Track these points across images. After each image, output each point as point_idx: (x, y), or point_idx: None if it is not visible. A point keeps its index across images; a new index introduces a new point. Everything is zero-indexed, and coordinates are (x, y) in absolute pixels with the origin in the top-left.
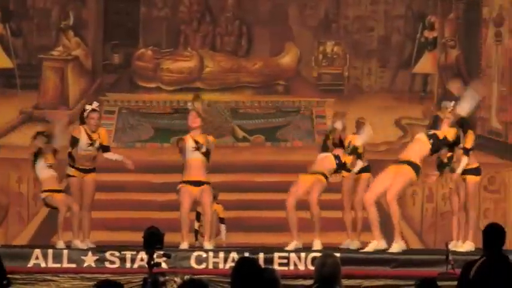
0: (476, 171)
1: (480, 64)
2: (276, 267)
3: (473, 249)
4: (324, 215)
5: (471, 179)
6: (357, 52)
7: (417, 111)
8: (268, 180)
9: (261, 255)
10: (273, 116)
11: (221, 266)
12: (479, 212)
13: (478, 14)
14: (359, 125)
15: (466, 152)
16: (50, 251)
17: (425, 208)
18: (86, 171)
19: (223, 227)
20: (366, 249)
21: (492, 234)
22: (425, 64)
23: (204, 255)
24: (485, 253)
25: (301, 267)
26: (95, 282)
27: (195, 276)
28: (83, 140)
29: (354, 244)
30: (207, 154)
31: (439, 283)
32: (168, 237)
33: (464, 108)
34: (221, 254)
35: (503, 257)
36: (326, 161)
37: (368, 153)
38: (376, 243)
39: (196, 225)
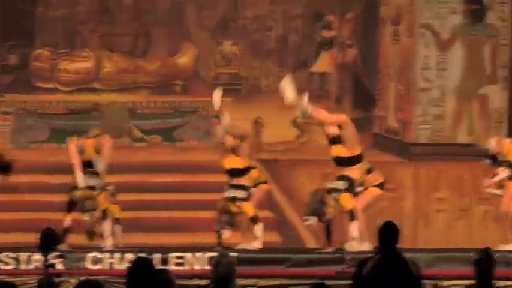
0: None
1: (378, 63)
2: (172, 267)
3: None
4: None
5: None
6: (254, 52)
7: None
8: (166, 180)
9: (157, 256)
10: (170, 116)
11: (117, 266)
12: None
13: (375, 13)
14: (257, 125)
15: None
16: None
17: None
18: None
19: (118, 227)
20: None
21: (387, 232)
22: (323, 63)
23: (100, 255)
24: (380, 251)
25: (197, 267)
26: None
27: (91, 277)
28: None
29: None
30: None
31: (337, 282)
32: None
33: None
34: (117, 255)
35: (397, 254)
36: None
37: (265, 153)
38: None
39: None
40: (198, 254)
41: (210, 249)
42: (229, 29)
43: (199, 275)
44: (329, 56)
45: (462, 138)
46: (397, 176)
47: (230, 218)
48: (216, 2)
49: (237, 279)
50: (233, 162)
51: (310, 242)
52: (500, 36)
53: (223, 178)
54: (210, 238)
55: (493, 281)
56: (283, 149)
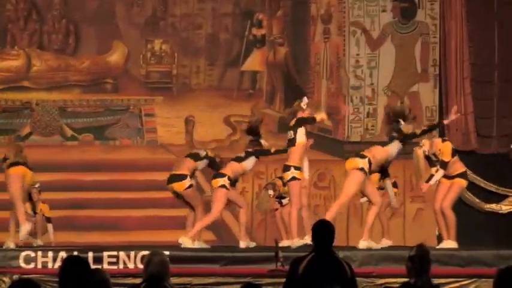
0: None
1: (309, 61)
2: (105, 266)
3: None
4: (157, 213)
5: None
6: (185, 50)
7: (246, 108)
8: (98, 179)
9: (90, 254)
10: (101, 114)
11: (50, 265)
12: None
13: (306, 11)
14: (188, 123)
15: None
16: None
17: (255, 205)
18: None
19: (50, 226)
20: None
21: (321, 230)
22: (254, 62)
23: (33, 254)
24: (315, 249)
25: (131, 265)
26: None
27: (24, 276)
28: None
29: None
30: None
31: (270, 280)
32: None
33: None
34: (50, 254)
35: (331, 253)
36: None
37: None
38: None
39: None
40: (131, 253)
41: (143, 248)
42: (159, 27)
43: (133, 274)
44: (260, 54)
45: None
46: (330, 174)
47: None
48: (146, 0)
49: (171, 278)
50: None
51: None
52: (431, 34)
53: (156, 176)
54: (143, 236)
55: (428, 279)
56: (215, 146)
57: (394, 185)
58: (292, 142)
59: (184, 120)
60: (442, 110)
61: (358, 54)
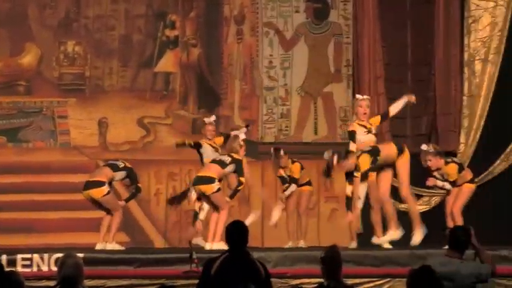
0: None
1: (222, 62)
2: (19, 268)
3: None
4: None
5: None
6: (98, 51)
7: (159, 110)
8: (12, 181)
9: (4, 257)
10: (14, 116)
11: None
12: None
13: (219, 12)
14: (101, 125)
15: None
16: None
17: (169, 207)
18: None
19: None
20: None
21: (235, 232)
22: (167, 63)
23: None
24: (229, 250)
25: (45, 268)
26: None
27: None
28: None
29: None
30: None
31: (185, 281)
32: None
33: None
34: None
35: (245, 254)
36: None
37: (110, 153)
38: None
39: None
40: (45, 255)
41: (57, 250)
42: (71, 28)
43: (48, 277)
44: (173, 55)
45: (308, 136)
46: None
47: None
48: (58, 1)
49: (85, 280)
50: None
51: (158, 242)
52: (344, 35)
53: (69, 178)
54: (58, 239)
55: (340, 280)
56: (129, 148)
57: (308, 183)
58: None
59: (98, 122)
60: None
61: (271, 55)
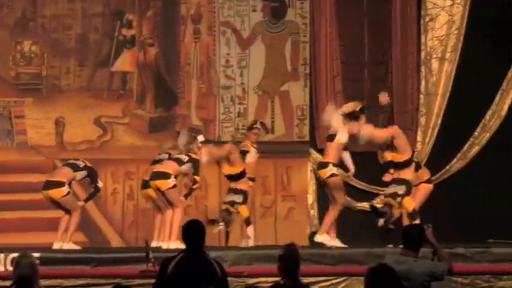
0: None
1: (179, 61)
2: None
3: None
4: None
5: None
6: (55, 51)
7: (116, 109)
8: None
9: None
10: None
11: None
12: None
13: (176, 11)
14: (58, 124)
15: None
16: None
17: (126, 206)
18: None
19: None
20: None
21: (192, 231)
22: (124, 62)
23: None
24: (185, 249)
25: (1, 268)
26: None
27: None
28: None
29: None
30: None
31: (141, 281)
32: None
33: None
34: None
35: (201, 253)
36: None
37: (67, 152)
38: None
39: None
40: (1, 255)
41: (13, 250)
42: (28, 28)
43: (4, 277)
44: (130, 54)
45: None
46: (201, 174)
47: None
48: (15, 1)
49: (42, 280)
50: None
51: (115, 242)
52: (301, 34)
53: (27, 178)
54: (15, 238)
55: (297, 278)
56: (86, 148)
57: (251, 179)
58: None
59: (55, 122)
60: (313, 109)
61: (228, 54)
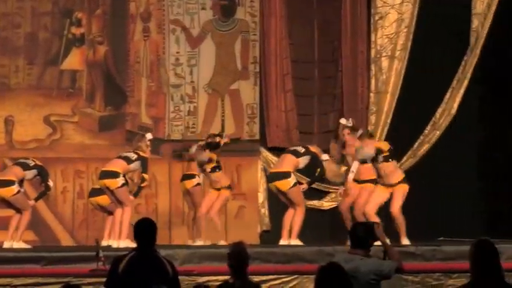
0: None
1: (128, 60)
2: None
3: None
4: None
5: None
6: (4, 49)
7: (66, 107)
8: None
9: None
10: None
11: None
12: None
13: (125, 9)
14: (7, 123)
15: None
16: None
17: (76, 205)
18: None
19: None
20: None
21: (143, 229)
22: (73, 61)
23: None
24: (136, 248)
25: None
26: None
27: None
28: None
29: None
30: None
31: (91, 280)
32: None
33: None
34: None
35: (153, 251)
36: None
37: (17, 151)
38: None
39: None
40: None
41: None
42: None
43: None
44: (79, 53)
45: None
46: (151, 172)
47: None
48: None
49: None
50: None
51: (66, 241)
52: (251, 32)
53: None
54: None
55: (246, 277)
56: (35, 146)
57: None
58: None
59: (4, 120)
60: (263, 107)
61: (178, 52)
